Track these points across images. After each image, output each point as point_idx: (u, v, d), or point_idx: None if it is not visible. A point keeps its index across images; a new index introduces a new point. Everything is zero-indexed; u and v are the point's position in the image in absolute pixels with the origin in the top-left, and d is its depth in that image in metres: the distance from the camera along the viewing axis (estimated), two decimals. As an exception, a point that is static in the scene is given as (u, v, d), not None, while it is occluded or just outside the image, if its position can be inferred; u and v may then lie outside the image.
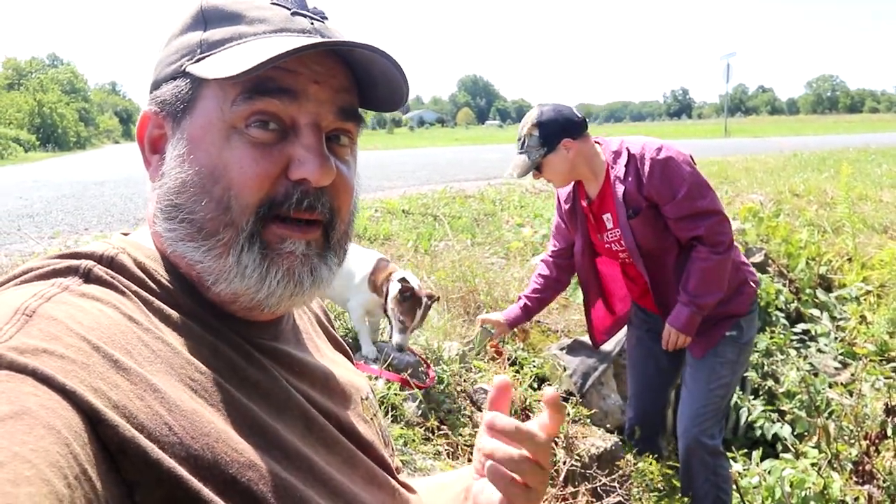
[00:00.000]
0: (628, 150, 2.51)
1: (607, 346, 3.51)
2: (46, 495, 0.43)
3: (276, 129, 0.66)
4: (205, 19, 0.69)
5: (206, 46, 0.68)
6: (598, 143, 2.60)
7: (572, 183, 2.68)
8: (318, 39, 0.67)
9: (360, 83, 0.73)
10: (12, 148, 25.35)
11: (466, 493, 0.80)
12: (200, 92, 0.67)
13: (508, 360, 3.05)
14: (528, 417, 2.73)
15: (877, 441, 3.15)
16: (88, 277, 0.62)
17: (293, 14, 0.69)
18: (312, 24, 0.70)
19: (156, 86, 0.71)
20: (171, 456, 0.53)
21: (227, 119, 0.65)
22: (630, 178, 2.47)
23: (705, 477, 2.71)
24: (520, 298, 3.05)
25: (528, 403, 2.78)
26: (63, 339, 0.53)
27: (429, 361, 2.56)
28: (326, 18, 0.72)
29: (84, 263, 0.62)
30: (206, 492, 0.53)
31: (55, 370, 0.50)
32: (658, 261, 2.63)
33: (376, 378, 2.29)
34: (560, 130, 2.46)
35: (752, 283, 2.71)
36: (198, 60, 0.67)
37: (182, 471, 0.52)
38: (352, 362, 0.94)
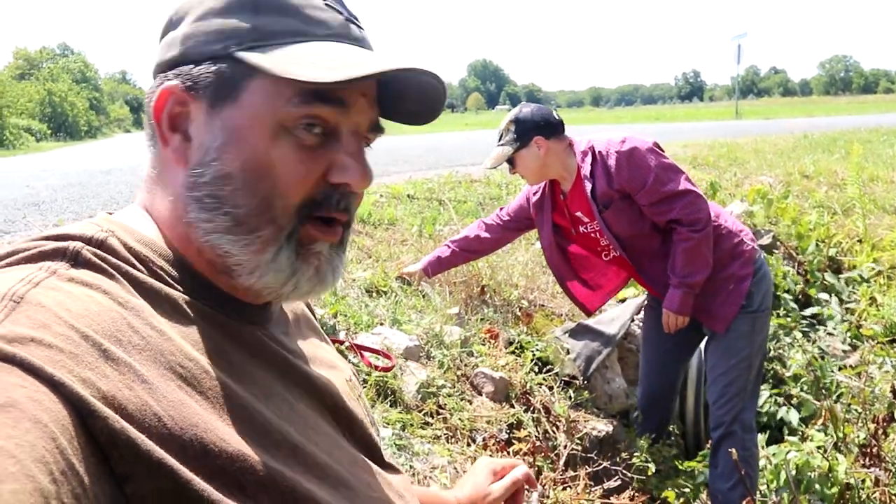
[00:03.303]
0: (594, 149, 2.65)
1: (611, 330, 3.49)
2: (31, 492, 0.43)
3: (319, 133, 0.67)
4: (255, 4, 0.67)
5: (259, 35, 0.66)
6: (571, 143, 2.73)
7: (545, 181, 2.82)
8: (371, 51, 0.69)
9: (389, 95, 0.74)
10: (24, 138, 25.47)
11: None
12: (247, 82, 0.65)
13: (510, 343, 3.03)
14: (528, 402, 2.72)
15: (885, 424, 3.12)
16: (77, 260, 0.60)
17: (346, 20, 0.70)
18: (360, 31, 0.71)
19: (180, 61, 0.67)
20: (162, 446, 0.52)
21: (277, 117, 0.65)
22: (598, 175, 2.61)
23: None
24: (447, 245, 3.16)
25: (528, 388, 2.77)
26: (52, 328, 0.51)
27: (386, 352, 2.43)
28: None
29: (72, 245, 0.60)
30: (198, 480, 0.52)
31: (43, 360, 0.49)
32: (640, 248, 2.74)
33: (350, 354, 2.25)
34: (534, 127, 2.63)
35: (747, 243, 2.71)
36: (249, 49, 0.65)
37: (173, 461, 0.52)
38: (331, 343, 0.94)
